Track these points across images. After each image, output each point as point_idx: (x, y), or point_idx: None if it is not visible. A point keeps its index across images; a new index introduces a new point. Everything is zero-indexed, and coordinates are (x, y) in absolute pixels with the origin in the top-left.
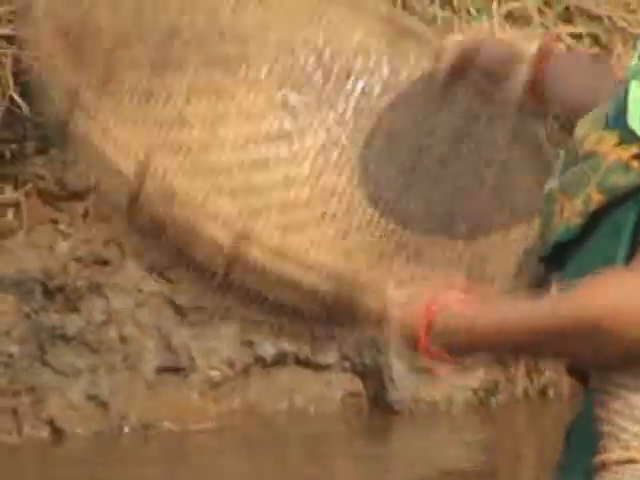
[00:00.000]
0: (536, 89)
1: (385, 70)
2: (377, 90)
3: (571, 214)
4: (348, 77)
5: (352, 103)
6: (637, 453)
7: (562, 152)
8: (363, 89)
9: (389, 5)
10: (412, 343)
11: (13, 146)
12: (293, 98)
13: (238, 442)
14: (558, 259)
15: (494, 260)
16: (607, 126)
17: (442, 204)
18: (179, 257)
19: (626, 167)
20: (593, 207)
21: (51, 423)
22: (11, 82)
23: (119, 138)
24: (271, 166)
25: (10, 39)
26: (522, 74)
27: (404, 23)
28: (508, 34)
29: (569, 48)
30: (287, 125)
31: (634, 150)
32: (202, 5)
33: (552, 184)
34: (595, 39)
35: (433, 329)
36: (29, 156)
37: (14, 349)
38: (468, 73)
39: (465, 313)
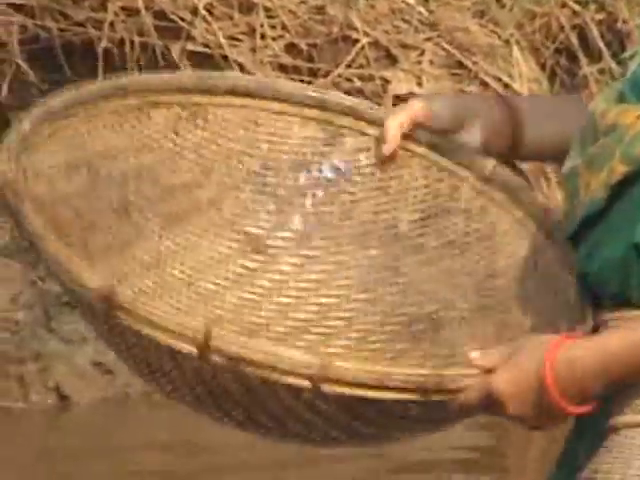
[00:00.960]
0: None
1: (332, 157)
2: (333, 178)
3: (596, 187)
4: (297, 180)
5: (311, 200)
6: None
7: (576, 132)
8: (317, 180)
9: (316, 89)
10: (545, 408)
11: (20, 113)
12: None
13: None
14: (584, 236)
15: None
16: (625, 101)
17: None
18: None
19: None
20: (616, 178)
21: (57, 390)
22: (17, 49)
23: (169, 323)
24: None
25: (17, 7)
26: (478, 127)
27: (336, 102)
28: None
29: (575, 14)
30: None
31: None
32: (144, 172)
33: (573, 162)
34: (601, 5)
35: (561, 378)
36: None
37: (20, 316)
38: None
39: (579, 352)
